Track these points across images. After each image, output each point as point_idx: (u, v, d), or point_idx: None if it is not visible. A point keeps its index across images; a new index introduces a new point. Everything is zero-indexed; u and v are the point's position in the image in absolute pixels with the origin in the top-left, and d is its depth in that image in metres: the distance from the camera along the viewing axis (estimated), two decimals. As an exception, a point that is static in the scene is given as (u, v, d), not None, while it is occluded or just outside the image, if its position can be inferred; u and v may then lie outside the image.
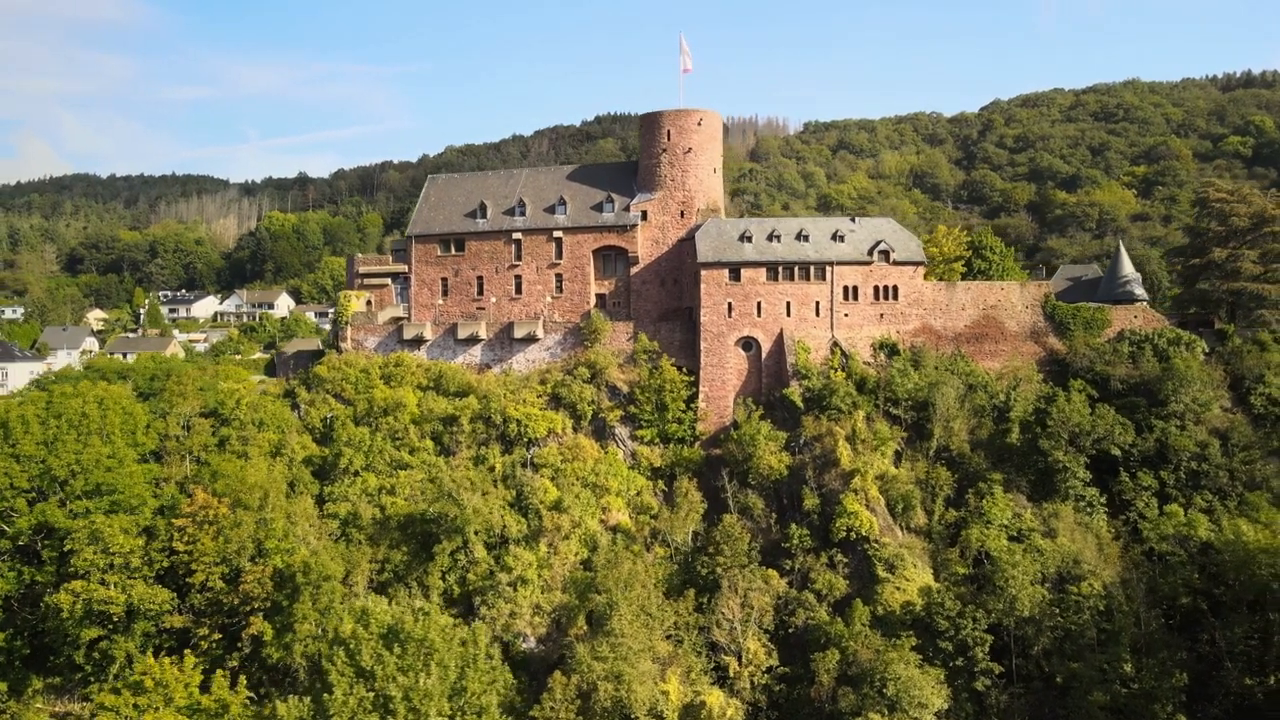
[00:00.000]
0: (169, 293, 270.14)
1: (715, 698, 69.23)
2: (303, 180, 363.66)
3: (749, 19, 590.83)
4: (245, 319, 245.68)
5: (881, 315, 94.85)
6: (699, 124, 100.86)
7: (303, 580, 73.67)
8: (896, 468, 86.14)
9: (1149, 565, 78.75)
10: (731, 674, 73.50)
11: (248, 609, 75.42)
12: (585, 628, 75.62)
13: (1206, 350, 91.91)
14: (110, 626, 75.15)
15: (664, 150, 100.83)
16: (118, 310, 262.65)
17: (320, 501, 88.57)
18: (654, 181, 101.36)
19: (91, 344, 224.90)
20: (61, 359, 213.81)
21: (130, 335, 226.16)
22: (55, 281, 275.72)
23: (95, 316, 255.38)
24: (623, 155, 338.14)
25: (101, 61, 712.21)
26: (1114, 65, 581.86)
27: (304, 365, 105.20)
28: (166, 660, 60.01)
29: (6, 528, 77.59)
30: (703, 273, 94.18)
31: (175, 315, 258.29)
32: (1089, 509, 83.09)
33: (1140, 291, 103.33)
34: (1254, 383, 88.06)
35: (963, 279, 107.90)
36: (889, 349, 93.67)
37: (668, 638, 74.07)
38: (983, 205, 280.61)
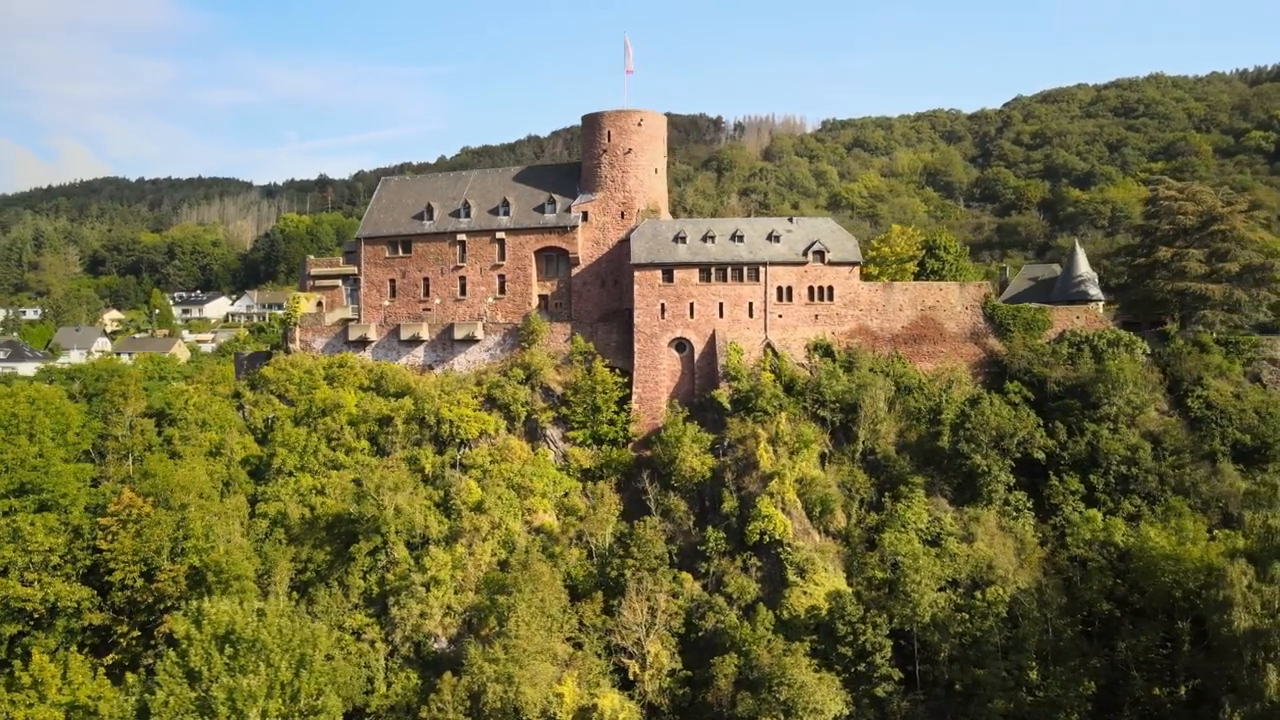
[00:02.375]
0: (184, 294, 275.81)
1: (609, 700, 69.10)
2: (323, 182, 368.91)
3: (768, 18, 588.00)
4: (256, 319, 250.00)
5: (816, 316, 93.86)
6: (639, 124, 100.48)
7: (214, 579, 74.94)
8: (822, 470, 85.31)
9: (1074, 570, 77.31)
10: (631, 677, 73.37)
11: (162, 607, 76.92)
12: (496, 628, 75.85)
13: (1148, 352, 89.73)
14: (32, 623, 77.18)
15: (604, 151, 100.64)
16: (134, 311, 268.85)
17: (254, 501, 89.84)
18: (595, 182, 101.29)
19: (103, 344, 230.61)
20: (74, 359, 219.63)
21: (138, 336, 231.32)
22: (76, 283, 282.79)
23: (111, 317, 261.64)
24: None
25: (142, 66, 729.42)
26: (1141, 60, 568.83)
27: (257, 365, 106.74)
28: (45, 658, 61.30)
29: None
30: (636, 273, 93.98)
31: (188, 316, 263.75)
32: (1015, 513, 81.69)
33: (1095, 291, 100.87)
34: (1191, 385, 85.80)
35: (915, 279, 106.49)
36: (823, 350, 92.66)
37: (569, 640, 74.20)
38: (995, 203, 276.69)
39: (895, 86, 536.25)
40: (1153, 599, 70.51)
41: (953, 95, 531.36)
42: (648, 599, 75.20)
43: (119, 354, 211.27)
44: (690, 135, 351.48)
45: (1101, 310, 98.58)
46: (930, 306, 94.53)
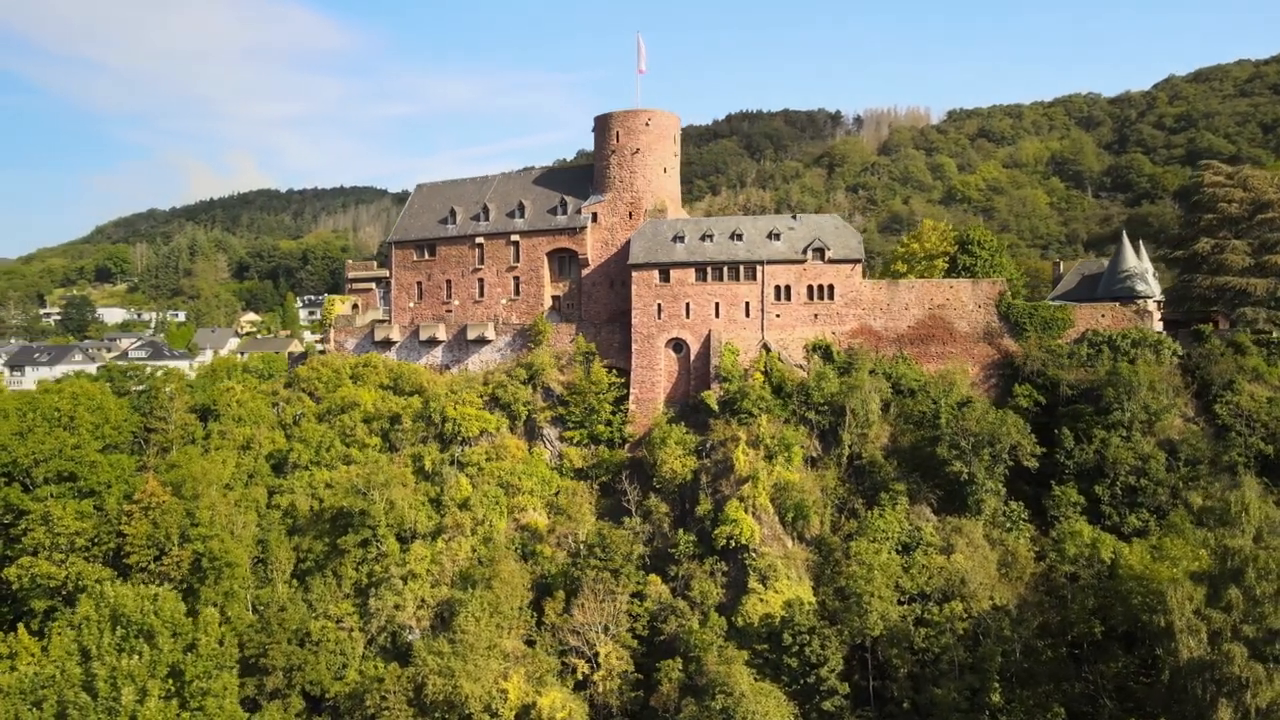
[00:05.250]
0: (312, 296, 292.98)
1: (549, 699, 69.39)
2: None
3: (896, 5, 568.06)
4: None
5: (816, 316, 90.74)
6: (647, 124, 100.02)
7: (209, 565, 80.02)
8: (806, 474, 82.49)
9: (1068, 588, 71.81)
10: (580, 677, 73.36)
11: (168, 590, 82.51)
12: (457, 622, 77.39)
13: (1179, 353, 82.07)
14: (61, 598, 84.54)
15: (613, 151, 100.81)
16: (269, 314, 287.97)
17: (272, 493, 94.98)
18: (605, 183, 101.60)
19: (234, 344, 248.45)
20: (208, 357, 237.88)
21: (259, 337, 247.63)
22: (221, 287, 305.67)
23: (247, 319, 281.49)
24: (745, 154, 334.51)
25: (317, 84, 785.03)
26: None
27: (299, 364, 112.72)
28: (23, 630, 67.15)
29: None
30: (634, 274, 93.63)
31: (314, 318, 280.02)
32: (1009, 525, 76.58)
33: (1143, 287, 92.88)
34: (1221, 389, 77.85)
35: (946, 276, 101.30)
36: (823, 351, 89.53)
37: (523, 637, 74.94)
38: (1128, 192, 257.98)
39: (1037, 72, 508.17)
40: (1125, 621, 64.60)
41: (1100, 79, 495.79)
42: (603, 600, 74.98)
43: (240, 353, 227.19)
44: (807, 131, 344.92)
45: (1153, 307, 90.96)
46: (939, 305, 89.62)
